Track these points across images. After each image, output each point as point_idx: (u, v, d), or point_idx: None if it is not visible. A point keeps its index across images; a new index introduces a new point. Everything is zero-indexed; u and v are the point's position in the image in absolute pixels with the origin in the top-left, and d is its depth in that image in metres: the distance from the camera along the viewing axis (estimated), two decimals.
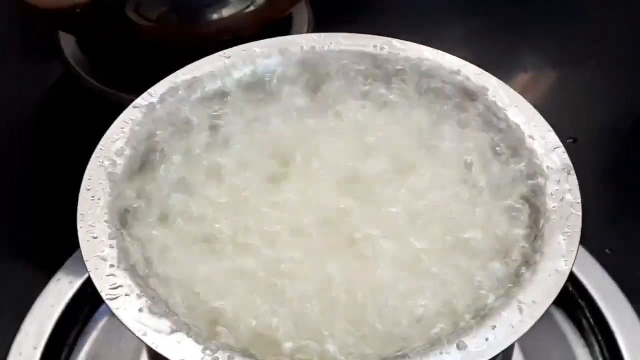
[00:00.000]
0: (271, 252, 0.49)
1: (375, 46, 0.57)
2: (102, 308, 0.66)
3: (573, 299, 0.66)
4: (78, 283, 0.67)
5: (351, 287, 0.48)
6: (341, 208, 0.51)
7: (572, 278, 0.66)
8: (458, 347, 0.44)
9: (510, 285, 0.47)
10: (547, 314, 0.46)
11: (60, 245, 0.66)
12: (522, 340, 0.45)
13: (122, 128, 0.53)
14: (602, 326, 0.65)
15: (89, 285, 0.65)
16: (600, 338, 0.65)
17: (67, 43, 0.83)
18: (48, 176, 0.77)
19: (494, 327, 0.44)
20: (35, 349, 0.64)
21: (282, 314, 0.47)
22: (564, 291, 0.46)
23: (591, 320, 0.66)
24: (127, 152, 0.52)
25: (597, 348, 0.65)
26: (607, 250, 0.70)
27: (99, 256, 0.47)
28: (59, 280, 0.67)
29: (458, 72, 0.56)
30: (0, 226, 0.73)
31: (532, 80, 0.88)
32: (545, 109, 0.54)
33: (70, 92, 0.83)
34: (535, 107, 0.54)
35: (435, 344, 0.44)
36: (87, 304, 0.66)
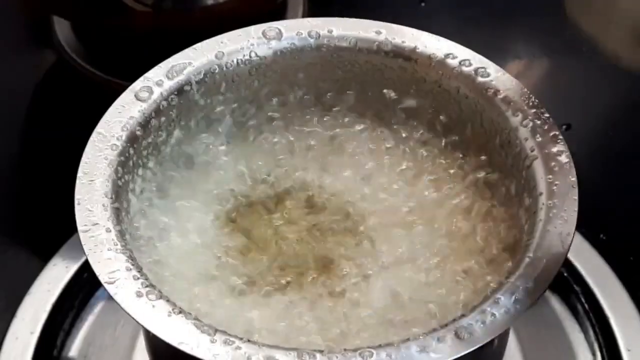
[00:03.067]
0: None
1: (374, 31, 0.57)
2: (98, 293, 0.66)
3: (568, 284, 0.67)
4: (74, 268, 0.67)
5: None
6: None
7: (567, 263, 0.66)
8: (454, 331, 0.44)
9: (506, 270, 0.48)
10: (542, 300, 0.46)
11: (55, 231, 0.67)
12: (517, 326, 0.46)
13: (119, 112, 0.53)
14: (597, 311, 0.65)
15: (84, 270, 0.66)
16: (594, 323, 0.65)
17: (61, 28, 0.83)
18: (43, 162, 0.77)
19: (489, 311, 0.44)
20: (32, 333, 0.64)
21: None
22: (559, 276, 0.47)
23: (586, 305, 0.66)
24: (124, 136, 0.52)
25: (591, 333, 0.65)
26: (601, 236, 0.70)
27: (96, 240, 0.47)
28: (54, 265, 0.67)
29: (454, 57, 0.56)
30: None
31: (526, 67, 0.88)
32: (539, 96, 0.54)
33: (65, 78, 0.83)
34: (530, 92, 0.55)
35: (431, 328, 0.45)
36: (83, 288, 0.66)
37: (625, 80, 0.85)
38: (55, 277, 0.66)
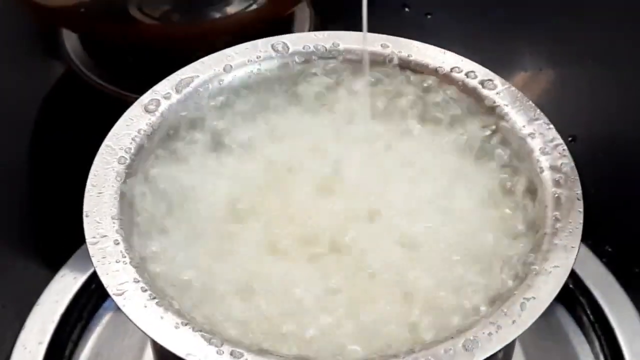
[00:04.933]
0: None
1: (380, 45, 0.57)
2: (106, 303, 0.66)
3: (573, 296, 0.67)
4: (82, 279, 0.66)
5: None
6: None
7: (573, 275, 0.66)
8: (461, 343, 0.44)
9: (513, 282, 0.48)
10: (548, 310, 0.46)
11: (64, 241, 0.67)
12: (523, 336, 0.46)
13: (127, 125, 0.53)
14: (602, 323, 0.65)
15: (93, 280, 0.66)
16: (600, 334, 0.65)
17: (70, 40, 0.83)
18: (51, 173, 0.77)
19: (495, 323, 0.45)
20: (40, 344, 0.64)
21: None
22: (564, 287, 0.47)
23: (591, 316, 0.66)
24: (133, 148, 0.52)
25: (597, 344, 0.65)
26: (606, 247, 0.70)
27: (104, 252, 0.47)
28: (63, 276, 0.67)
29: (459, 70, 0.56)
30: (5, 223, 0.73)
31: (531, 79, 0.88)
32: (545, 108, 0.55)
33: (73, 90, 0.83)
34: (535, 105, 0.55)
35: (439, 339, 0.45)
36: (91, 299, 0.66)
37: (630, 92, 0.86)
38: (63, 287, 0.66)
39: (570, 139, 0.77)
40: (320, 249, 0.51)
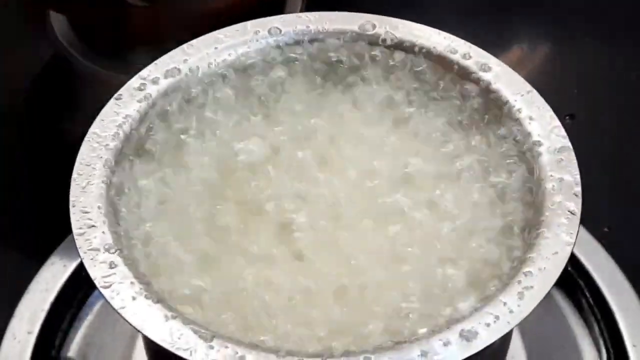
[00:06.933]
0: None
1: (372, 25, 0.56)
2: (97, 292, 0.65)
3: (571, 278, 0.66)
4: (72, 266, 0.66)
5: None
6: None
7: (571, 257, 0.65)
8: (458, 334, 0.43)
9: (510, 269, 0.47)
10: (546, 294, 0.45)
11: (53, 228, 0.66)
12: (521, 322, 0.45)
13: (115, 111, 0.52)
14: (601, 305, 0.65)
15: (83, 268, 0.65)
16: (599, 317, 0.65)
17: (57, 22, 0.82)
18: (40, 158, 0.76)
19: (493, 313, 0.44)
20: (30, 333, 0.63)
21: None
22: (563, 270, 0.46)
23: (590, 299, 0.66)
24: (120, 135, 0.51)
25: (596, 328, 0.65)
26: (605, 228, 0.70)
27: (91, 243, 0.46)
28: (52, 263, 0.66)
29: (454, 51, 0.55)
30: None
31: (528, 56, 0.87)
32: (542, 86, 0.54)
33: (61, 73, 0.82)
34: (532, 83, 0.54)
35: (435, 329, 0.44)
36: (81, 287, 0.66)
37: (628, 69, 0.85)
38: (53, 275, 0.66)
39: (568, 117, 0.76)
40: None
